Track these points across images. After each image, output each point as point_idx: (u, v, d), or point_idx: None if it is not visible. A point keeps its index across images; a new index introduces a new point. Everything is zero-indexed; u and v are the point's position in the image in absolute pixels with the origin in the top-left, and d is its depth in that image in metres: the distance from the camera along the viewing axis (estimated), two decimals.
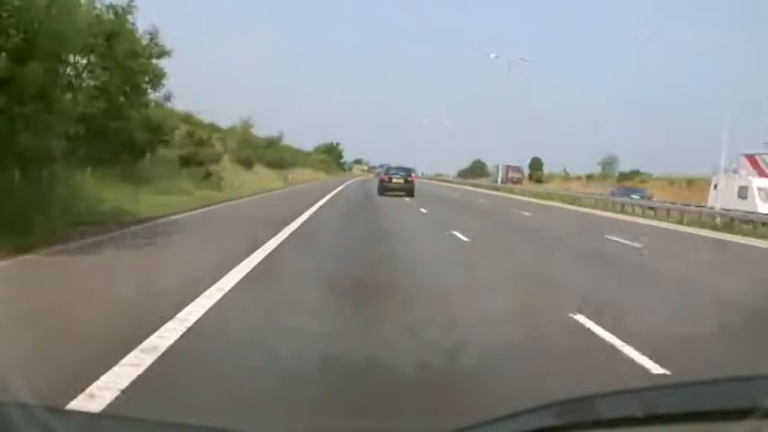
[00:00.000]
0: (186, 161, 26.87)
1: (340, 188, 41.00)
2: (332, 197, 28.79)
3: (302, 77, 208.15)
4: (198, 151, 27.33)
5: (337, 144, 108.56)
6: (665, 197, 42.48)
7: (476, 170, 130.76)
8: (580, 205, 34.82)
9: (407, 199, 30.96)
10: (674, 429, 1.03)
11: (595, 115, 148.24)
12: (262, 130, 51.23)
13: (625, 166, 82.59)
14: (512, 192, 53.37)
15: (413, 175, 36.40)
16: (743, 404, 1.00)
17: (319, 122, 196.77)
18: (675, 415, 1.04)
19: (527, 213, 25.86)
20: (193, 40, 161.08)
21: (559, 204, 36.08)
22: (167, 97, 22.25)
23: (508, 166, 75.87)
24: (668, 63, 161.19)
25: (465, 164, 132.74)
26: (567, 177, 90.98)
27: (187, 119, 38.83)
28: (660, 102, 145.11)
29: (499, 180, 67.29)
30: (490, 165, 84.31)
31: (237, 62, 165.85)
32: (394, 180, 34.38)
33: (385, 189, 33.62)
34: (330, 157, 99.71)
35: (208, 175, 26.75)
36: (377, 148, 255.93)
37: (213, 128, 40.55)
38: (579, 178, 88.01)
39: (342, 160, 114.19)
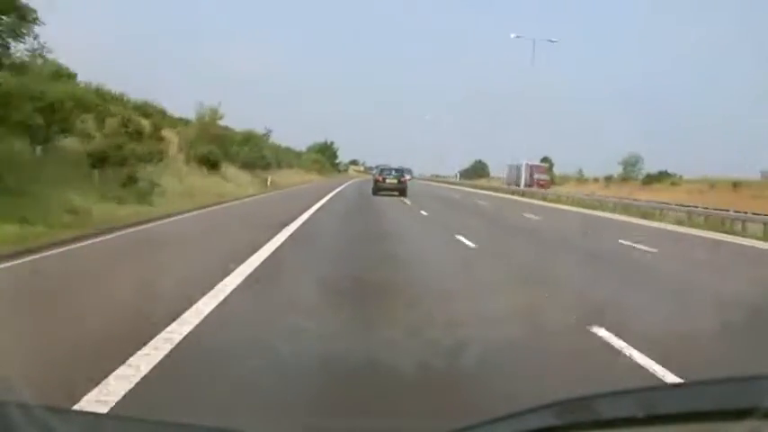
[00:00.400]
0: (100, 159, 17.62)
1: (332, 194, 31.70)
2: (314, 215, 19.52)
3: (298, 74, 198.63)
4: (121, 145, 18.08)
5: (331, 143, 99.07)
6: (724, 203, 32.60)
7: (477, 170, 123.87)
8: (680, 223, 24.49)
9: (424, 212, 22.00)
10: (674, 429, 1.02)
11: (609, 112, 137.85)
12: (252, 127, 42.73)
13: (649, 167, 72.93)
14: (544, 199, 43.30)
15: (405, 176, 37.69)
16: (743, 404, 0.98)
17: (315, 122, 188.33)
18: (675, 415, 1.02)
19: (649, 249, 14.44)
20: (185, 35, 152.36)
21: (637, 221, 25.98)
22: (36, 52, 13.03)
23: (532, 166, 63.66)
24: (692, 57, 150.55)
25: (465, 164, 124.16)
26: (581, 179, 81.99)
27: (141, 107, 29.97)
28: (683, 99, 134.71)
29: (522, 183, 56.44)
30: (507, 164, 73.17)
31: (231, 59, 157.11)
32: (387, 180, 35.30)
33: (379, 189, 34.27)
34: (324, 157, 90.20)
35: (131, 179, 17.53)
36: (374, 148, 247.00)
37: (165, 117, 31.37)
38: (596, 180, 79.38)
39: (337, 161, 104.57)
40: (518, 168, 61.60)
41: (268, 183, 38.49)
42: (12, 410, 1.01)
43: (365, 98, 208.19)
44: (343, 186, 44.42)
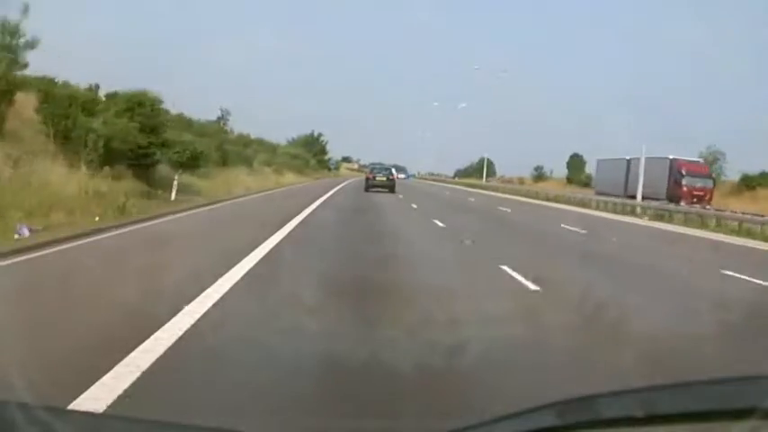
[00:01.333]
0: None
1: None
2: None
3: (293, 71, 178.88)
4: None
5: (319, 135, 79.25)
6: None
7: (481, 170, 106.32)
8: None
9: None
10: (674, 429, 1.01)
11: (618, 106, 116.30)
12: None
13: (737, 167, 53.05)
14: None
15: (394, 174, 41.68)
16: (743, 404, 0.97)
17: (315, 119, 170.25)
18: (675, 415, 1.01)
19: None
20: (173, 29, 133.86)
21: None
22: None
23: (673, 161, 39.27)
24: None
25: (465, 162, 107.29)
26: None
27: None
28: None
29: (639, 192, 33.96)
30: (601, 159, 51.12)
31: (220, 51, 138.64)
32: (377, 178, 38.98)
33: (370, 186, 38.29)
34: (309, 152, 70.41)
35: None
36: (373, 145, 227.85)
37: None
38: None
39: (327, 157, 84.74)
40: (628, 165, 40.98)
41: (172, 196, 20.90)
42: (12, 410, 1.01)
43: (365, 94, 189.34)
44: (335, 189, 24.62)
